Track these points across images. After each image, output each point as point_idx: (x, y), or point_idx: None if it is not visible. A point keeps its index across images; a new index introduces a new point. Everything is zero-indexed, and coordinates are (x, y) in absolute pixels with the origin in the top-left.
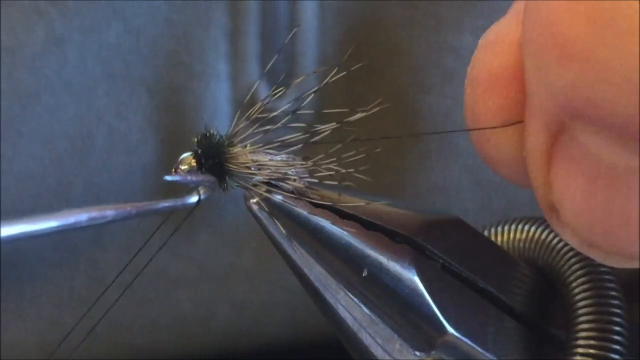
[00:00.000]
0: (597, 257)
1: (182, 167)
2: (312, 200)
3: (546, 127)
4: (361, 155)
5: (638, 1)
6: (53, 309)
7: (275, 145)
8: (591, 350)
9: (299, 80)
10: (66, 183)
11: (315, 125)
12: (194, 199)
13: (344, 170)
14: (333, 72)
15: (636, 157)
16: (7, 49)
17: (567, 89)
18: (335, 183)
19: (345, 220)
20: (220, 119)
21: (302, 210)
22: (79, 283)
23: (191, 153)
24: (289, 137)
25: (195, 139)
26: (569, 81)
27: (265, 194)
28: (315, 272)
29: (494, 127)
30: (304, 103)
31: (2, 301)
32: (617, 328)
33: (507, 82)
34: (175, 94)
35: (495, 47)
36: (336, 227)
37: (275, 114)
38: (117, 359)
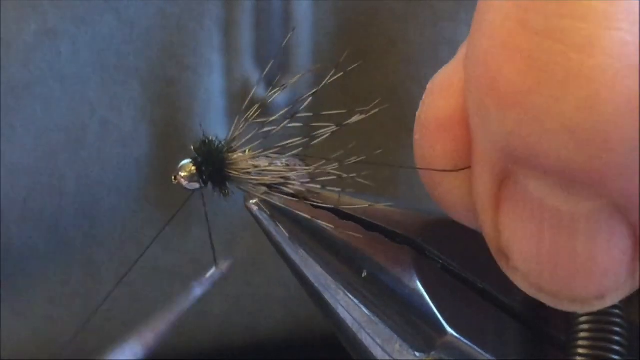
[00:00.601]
0: (548, 302)
1: (182, 174)
2: (312, 202)
3: (491, 172)
4: (361, 157)
5: (574, 50)
6: (47, 304)
7: (274, 150)
8: (591, 351)
9: (294, 79)
10: (59, 175)
11: (314, 132)
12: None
13: (345, 175)
14: (331, 74)
15: (579, 202)
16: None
17: (507, 136)
18: (339, 190)
19: (345, 221)
20: (213, 111)
21: (301, 211)
22: (73, 278)
23: (191, 160)
24: (288, 142)
25: (193, 147)
26: (508, 128)
27: (264, 197)
28: (315, 272)
29: (444, 171)
30: (302, 107)
31: None
32: (616, 328)
33: (455, 127)
34: (169, 86)
35: (442, 92)
36: (336, 228)
37: (273, 118)
38: None
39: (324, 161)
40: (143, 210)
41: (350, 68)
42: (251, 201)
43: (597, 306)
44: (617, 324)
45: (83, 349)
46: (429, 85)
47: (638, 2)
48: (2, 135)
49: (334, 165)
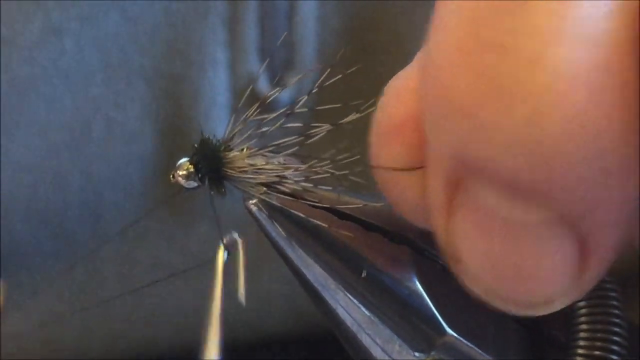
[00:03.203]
0: (498, 305)
1: (180, 173)
2: (311, 202)
3: (444, 178)
4: (356, 157)
5: (522, 66)
6: (51, 300)
7: (270, 148)
8: (591, 351)
9: (296, 79)
10: (63, 173)
11: (310, 129)
12: None
13: (338, 173)
14: (326, 73)
15: (527, 213)
16: (4, 39)
17: (458, 145)
18: (338, 189)
19: (344, 222)
20: (218, 108)
21: (300, 212)
22: (77, 275)
23: (188, 159)
24: (283, 140)
25: (193, 145)
26: (458, 137)
27: (263, 197)
28: (315, 273)
29: (398, 170)
30: (298, 105)
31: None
32: (616, 329)
33: (409, 131)
34: (173, 83)
35: (399, 94)
36: (335, 228)
37: (272, 116)
38: (115, 350)
39: (316, 160)
40: (147, 208)
41: (349, 71)
42: (250, 201)
43: (545, 311)
44: (617, 324)
45: (87, 346)
46: (385, 89)
47: (586, 21)
48: (6, 132)
49: (326, 163)
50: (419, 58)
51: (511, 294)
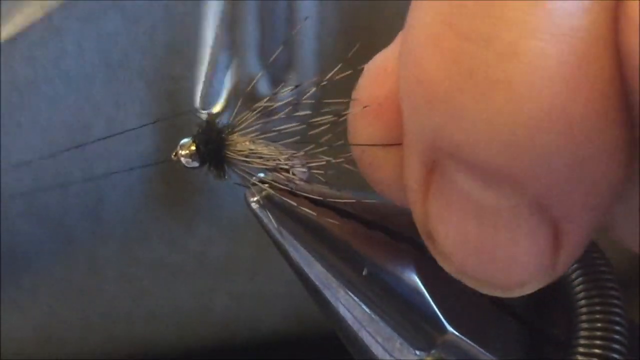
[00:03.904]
0: (471, 285)
1: (182, 152)
2: (313, 198)
3: (420, 159)
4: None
5: (496, 57)
6: (51, 300)
7: (272, 134)
8: (592, 350)
9: (307, 85)
10: (64, 173)
11: (314, 122)
12: None
13: (333, 160)
14: (336, 69)
15: (501, 198)
16: (5, 38)
17: (434, 130)
18: (322, 171)
19: (346, 219)
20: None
21: (302, 209)
22: (77, 274)
23: (191, 138)
24: (286, 126)
25: (196, 126)
26: (435, 123)
27: (267, 189)
28: (316, 270)
29: (376, 145)
30: (305, 97)
31: (0, 292)
32: (618, 328)
33: (388, 109)
34: (173, 84)
35: (377, 76)
36: (337, 226)
37: (276, 105)
38: (115, 350)
39: (313, 145)
40: (147, 207)
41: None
42: (252, 198)
43: (518, 293)
44: (617, 324)
45: (87, 346)
46: (365, 67)
47: (562, 15)
48: (7, 132)
49: (323, 149)
50: (399, 40)
51: (484, 276)
